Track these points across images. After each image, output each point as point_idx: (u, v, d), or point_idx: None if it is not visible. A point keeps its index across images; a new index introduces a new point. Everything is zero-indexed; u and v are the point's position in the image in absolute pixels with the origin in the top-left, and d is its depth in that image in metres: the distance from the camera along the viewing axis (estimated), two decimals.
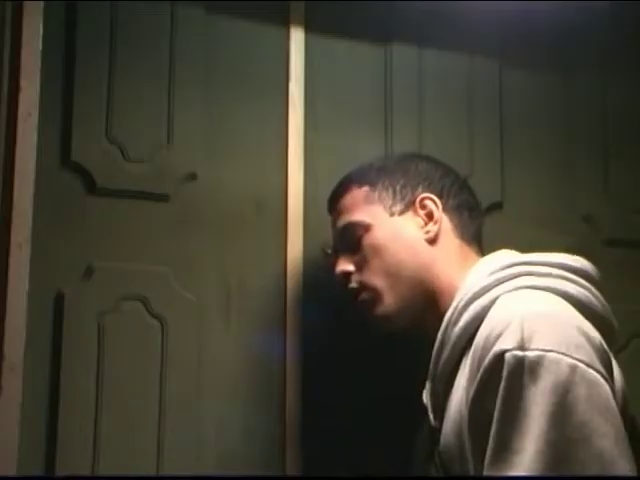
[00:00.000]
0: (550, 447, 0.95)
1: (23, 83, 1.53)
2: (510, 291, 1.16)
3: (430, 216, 1.35)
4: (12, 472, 1.44)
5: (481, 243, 1.42)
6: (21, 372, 1.47)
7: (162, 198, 1.65)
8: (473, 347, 1.12)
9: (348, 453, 1.68)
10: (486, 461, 1.00)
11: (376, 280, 1.36)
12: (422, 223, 1.35)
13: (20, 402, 1.46)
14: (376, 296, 1.36)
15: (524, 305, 1.10)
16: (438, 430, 1.23)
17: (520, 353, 1.00)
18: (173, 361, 1.59)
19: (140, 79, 1.66)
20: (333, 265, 1.45)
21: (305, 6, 1.80)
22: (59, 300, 1.54)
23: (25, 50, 1.55)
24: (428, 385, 1.29)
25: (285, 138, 1.74)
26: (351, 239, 1.40)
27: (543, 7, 1.92)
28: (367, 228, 1.38)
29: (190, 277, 1.63)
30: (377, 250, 1.36)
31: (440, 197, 1.37)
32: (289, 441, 1.64)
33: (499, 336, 1.05)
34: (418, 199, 1.36)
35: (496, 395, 1.02)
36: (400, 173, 1.39)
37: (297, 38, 1.78)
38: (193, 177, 1.67)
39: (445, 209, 1.37)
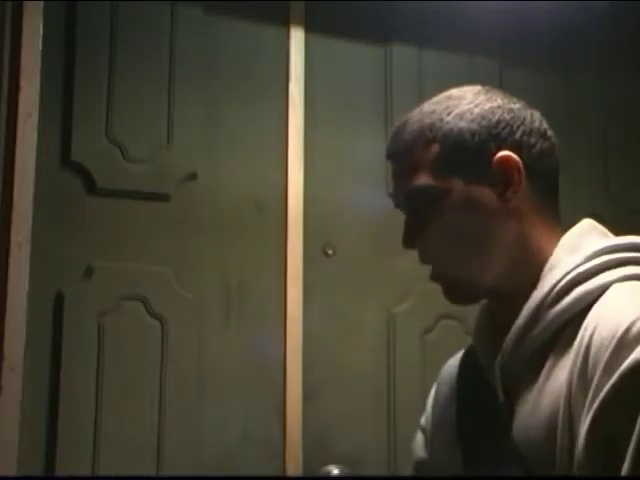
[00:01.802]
0: None
1: (23, 83, 1.53)
2: (621, 280, 1.07)
3: (510, 180, 1.14)
4: (12, 472, 1.44)
5: (558, 201, 1.26)
6: (21, 372, 1.47)
7: (162, 198, 1.65)
8: (584, 339, 1.02)
9: (348, 453, 1.67)
10: (624, 472, 0.95)
11: (452, 252, 1.19)
12: (501, 188, 1.13)
13: (20, 402, 1.46)
14: (450, 270, 1.20)
15: None
16: (509, 409, 1.14)
17: None
18: (173, 361, 1.59)
19: (140, 79, 1.66)
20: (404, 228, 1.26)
21: (305, 6, 1.80)
22: (59, 300, 1.54)
23: (25, 50, 1.55)
24: (499, 359, 1.17)
25: (285, 138, 1.74)
26: (419, 205, 1.19)
27: (543, 7, 1.92)
28: (439, 196, 1.15)
29: (190, 277, 1.63)
30: (449, 221, 1.14)
31: (520, 151, 1.14)
32: (289, 441, 1.64)
33: (638, 339, 0.98)
34: (496, 159, 1.14)
35: (633, 404, 0.96)
36: (475, 125, 1.16)
37: (297, 38, 1.78)
38: (193, 177, 1.67)
39: (525, 165, 1.13)
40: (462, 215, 1.15)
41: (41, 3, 1.58)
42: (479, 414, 1.17)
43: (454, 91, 1.21)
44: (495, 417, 1.14)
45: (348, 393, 1.70)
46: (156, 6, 1.69)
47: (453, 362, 1.27)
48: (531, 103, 1.93)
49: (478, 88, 1.23)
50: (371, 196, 1.79)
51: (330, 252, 1.73)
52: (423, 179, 1.14)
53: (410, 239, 1.24)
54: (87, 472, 1.50)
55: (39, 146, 1.55)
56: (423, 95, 1.95)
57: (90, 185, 1.60)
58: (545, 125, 1.20)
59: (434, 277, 1.25)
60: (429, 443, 1.28)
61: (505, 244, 1.18)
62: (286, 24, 1.78)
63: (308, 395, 1.67)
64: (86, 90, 1.62)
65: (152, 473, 1.54)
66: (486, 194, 1.15)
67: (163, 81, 1.68)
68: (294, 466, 1.63)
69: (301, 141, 1.75)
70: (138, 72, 1.66)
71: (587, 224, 1.19)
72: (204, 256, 1.65)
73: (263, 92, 1.75)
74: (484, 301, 1.20)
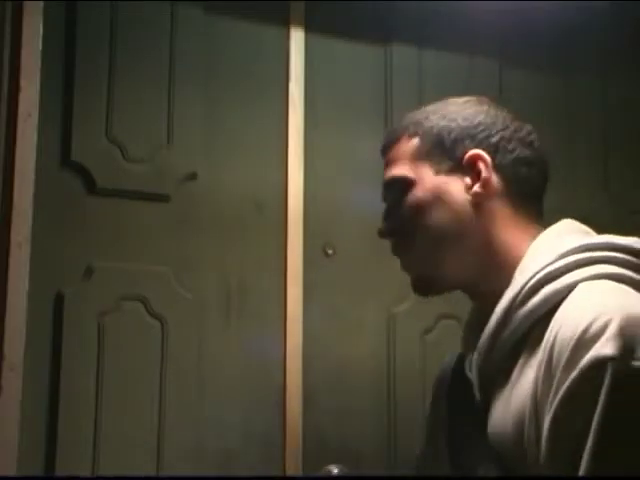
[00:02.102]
0: None
1: (23, 83, 1.53)
2: (588, 279, 1.09)
3: (478, 175, 1.21)
4: (12, 472, 1.44)
5: (542, 206, 1.33)
6: (21, 372, 1.47)
7: (162, 198, 1.65)
8: (550, 338, 1.05)
9: (348, 453, 1.68)
10: (582, 470, 0.96)
11: (415, 241, 1.25)
12: (469, 183, 1.22)
13: (20, 402, 1.46)
14: (415, 257, 1.26)
15: (617, 303, 1.03)
16: (485, 407, 1.17)
17: (625, 363, 0.96)
18: (173, 361, 1.59)
19: (140, 79, 1.66)
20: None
21: (305, 6, 1.80)
22: (59, 300, 1.54)
23: (25, 50, 1.55)
24: (476, 359, 1.21)
25: (285, 138, 1.74)
26: (394, 195, 1.28)
27: (543, 7, 1.92)
28: (409, 185, 1.23)
29: (190, 277, 1.63)
30: (417, 209, 1.21)
31: (494, 152, 1.21)
32: (289, 441, 1.64)
33: (596, 337, 0.99)
34: (467, 156, 1.22)
35: (591, 401, 0.97)
36: (455, 124, 1.25)
37: (297, 38, 1.78)
38: (193, 177, 1.67)
39: (499, 167, 1.20)
40: (430, 205, 1.21)
41: (41, 3, 1.58)
42: (462, 412, 1.19)
43: (453, 98, 1.30)
44: (474, 415, 1.16)
45: (348, 393, 1.70)
46: (156, 6, 1.69)
47: (450, 358, 1.29)
48: (531, 103, 1.98)
49: (475, 97, 1.31)
50: (371, 196, 1.78)
51: (330, 252, 1.73)
52: (398, 170, 1.23)
53: (384, 228, 1.30)
54: (87, 472, 1.50)
55: (39, 146, 1.55)
56: (423, 95, 1.97)
57: (90, 185, 1.60)
58: (532, 137, 1.25)
59: (403, 267, 1.29)
60: (426, 438, 1.30)
61: (473, 240, 1.21)
62: (286, 24, 1.78)
63: (308, 395, 1.67)
64: (86, 90, 1.62)
65: (152, 473, 1.54)
66: (454, 187, 1.21)
67: (163, 81, 1.68)
68: (294, 466, 1.63)
69: (301, 141, 1.75)
70: (138, 72, 1.66)
71: (565, 224, 1.21)
72: (204, 256, 1.65)
73: (263, 92, 1.75)
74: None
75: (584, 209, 1.95)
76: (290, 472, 1.63)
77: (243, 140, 1.72)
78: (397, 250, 1.28)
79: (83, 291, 1.56)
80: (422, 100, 1.88)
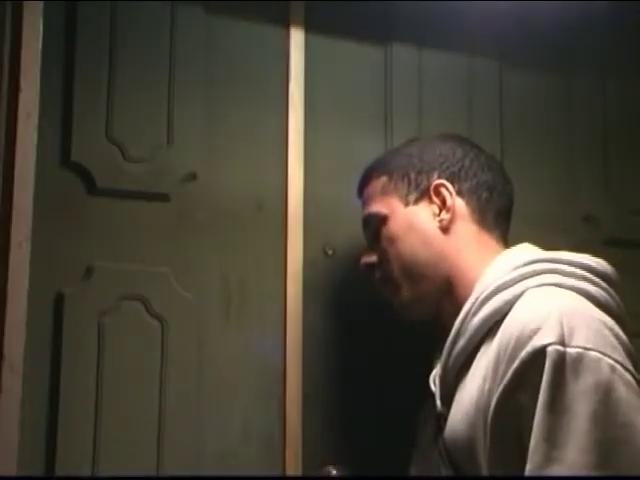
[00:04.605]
0: (594, 446, 0.95)
1: (23, 83, 1.53)
2: (535, 287, 1.16)
3: (444, 203, 1.31)
4: (12, 472, 1.44)
5: (507, 227, 1.39)
6: (21, 372, 1.47)
7: (162, 198, 1.65)
8: (498, 340, 1.12)
9: (348, 453, 1.68)
10: (529, 451, 1.00)
11: (395, 271, 1.37)
12: (436, 211, 1.32)
13: (20, 402, 1.46)
14: (396, 286, 1.37)
15: (558, 302, 1.11)
16: (444, 416, 1.23)
17: (562, 348, 1.01)
18: (173, 361, 1.59)
19: (140, 79, 1.66)
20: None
21: (305, 6, 1.80)
22: (59, 300, 1.54)
23: (25, 50, 1.55)
24: (438, 371, 1.29)
25: (285, 138, 1.74)
26: (372, 230, 1.41)
27: (543, 7, 1.92)
28: (383, 220, 1.38)
29: (190, 277, 1.63)
30: (392, 241, 1.37)
31: (456, 181, 1.32)
32: (289, 441, 1.64)
33: (537, 330, 1.05)
34: (432, 186, 1.33)
35: (532, 388, 1.02)
36: (417, 159, 1.36)
37: (297, 38, 1.78)
38: (193, 177, 1.67)
39: (461, 193, 1.32)
40: (403, 235, 1.34)
41: (41, 3, 1.58)
42: (429, 422, 1.30)
43: (416, 137, 1.49)
44: (434, 425, 1.26)
45: (348, 392, 1.70)
46: (156, 6, 1.69)
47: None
48: (531, 103, 2.00)
49: (439, 134, 1.52)
50: None
51: (330, 252, 1.74)
52: (372, 207, 1.44)
53: (366, 265, 1.45)
54: (87, 472, 1.50)
55: (39, 146, 1.55)
56: (423, 95, 1.96)
57: (90, 185, 1.60)
58: (492, 163, 1.38)
59: (386, 295, 1.43)
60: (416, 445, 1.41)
61: (444, 263, 1.34)
62: (286, 24, 1.78)
63: (308, 395, 1.67)
64: (86, 90, 1.62)
65: (152, 473, 1.54)
66: (423, 215, 1.33)
67: (163, 81, 1.68)
68: (294, 466, 1.63)
69: (301, 141, 1.75)
70: (138, 72, 1.66)
71: (521, 246, 1.32)
72: (204, 256, 1.65)
73: (263, 92, 1.75)
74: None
75: (584, 209, 1.96)
76: (290, 472, 1.63)
77: (243, 140, 1.72)
78: (380, 280, 1.42)
79: (83, 291, 1.56)
80: (422, 100, 1.88)
